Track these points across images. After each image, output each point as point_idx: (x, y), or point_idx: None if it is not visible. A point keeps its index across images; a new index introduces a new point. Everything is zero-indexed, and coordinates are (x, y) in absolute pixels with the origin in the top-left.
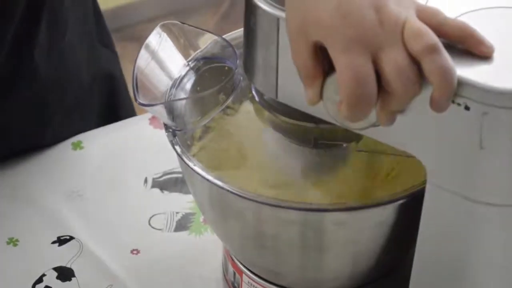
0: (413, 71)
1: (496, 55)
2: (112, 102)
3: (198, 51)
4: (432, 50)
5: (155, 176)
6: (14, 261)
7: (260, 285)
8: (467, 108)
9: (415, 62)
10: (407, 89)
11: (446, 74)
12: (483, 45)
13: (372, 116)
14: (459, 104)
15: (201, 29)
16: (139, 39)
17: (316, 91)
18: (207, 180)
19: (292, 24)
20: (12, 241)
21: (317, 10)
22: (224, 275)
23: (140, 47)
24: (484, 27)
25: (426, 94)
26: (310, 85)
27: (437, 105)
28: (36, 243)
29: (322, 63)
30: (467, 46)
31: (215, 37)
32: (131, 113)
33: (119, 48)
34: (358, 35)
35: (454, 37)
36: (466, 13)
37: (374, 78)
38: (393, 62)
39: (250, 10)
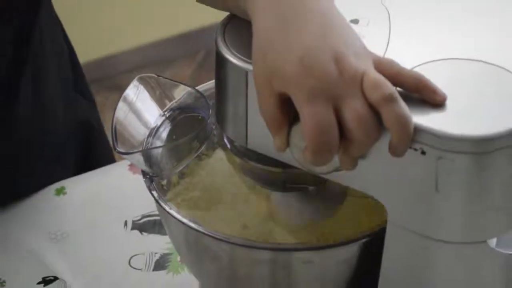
0: (372, 119)
1: (448, 103)
2: (90, 150)
3: (173, 101)
4: (389, 99)
5: (134, 219)
6: None
7: None
8: (423, 153)
9: (374, 110)
10: (367, 136)
11: (403, 121)
12: (437, 94)
13: (335, 161)
14: (415, 149)
15: (176, 81)
16: (121, 88)
17: (282, 139)
18: (182, 223)
19: (259, 77)
20: (0, 283)
21: (282, 63)
22: None
23: (119, 98)
24: (436, 77)
25: (386, 140)
26: (277, 134)
27: (395, 151)
28: (22, 285)
29: (287, 112)
30: (421, 95)
31: (189, 89)
32: (110, 159)
33: (102, 97)
34: (320, 86)
35: (409, 87)
36: (420, 64)
37: (336, 126)
38: (353, 111)
39: (221, 63)
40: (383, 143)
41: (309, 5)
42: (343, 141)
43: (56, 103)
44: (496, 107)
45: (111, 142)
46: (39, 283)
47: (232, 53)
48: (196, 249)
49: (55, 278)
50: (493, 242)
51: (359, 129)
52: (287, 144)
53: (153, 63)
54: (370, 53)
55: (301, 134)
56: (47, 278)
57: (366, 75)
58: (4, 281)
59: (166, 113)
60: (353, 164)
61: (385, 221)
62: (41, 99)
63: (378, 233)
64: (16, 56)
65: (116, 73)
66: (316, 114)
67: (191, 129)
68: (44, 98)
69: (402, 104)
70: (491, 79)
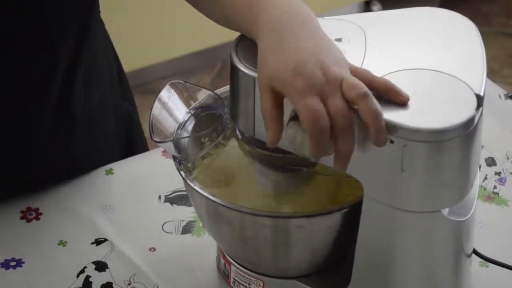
0: (348, 112)
1: (410, 103)
2: (130, 141)
3: (197, 102)
4: (363, 96)
5: (166, 194)
6: (63, 258)
7: (244, 273)
8: (391, 142)
9: (351, 106)
10: (346, 122)
11: (375, 112)
12: (401, 96)
13: (325, 149)
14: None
15: (199, 86)
16: (155, 92)
17: (275, 131)
18: (204, 196)
19: (262, 82)
20: (62, 243)
21: (279, 72)
22: (218, 266)
23: (155, 99)
24: (401, 83)
25: (363, 135)
26: (271, 126)
27: (376, 138)
28: (79, 244)
29: (281, 111)
30: (390, 97)
31: (209, 92)
32: (145, 148)
33: (140, 99)
34: (309, 84)
35: (380, 90)
36: (389, 73)
37: (325, 112)
38: (335, 105)
39: (234, 72)
40: (361, 138)
41: (300, 31)
42: (333, 139)
43: (105, 105)
44: (447, 106)
45: (148, 134)
46: (92, 243)
47: (243, 64)
48: (214, 216)
49: (105, 240)
50: (445, 211)
51: (340, 118)
52: (279, 137)
53: (181, 72)
54: (348, 63)
55: (293, 130)
56: (99, 239)
57: (344, 79)
58: (65, 242)
59: (191, 111)
60: (346, 165)
61: (362, 195)
62: (91, 102)
63: (356, 204)
64: (70, 66)
65: (152, 80)
66: (307, 105)
67: (210, 123)
68: (93, 102)
69: (374, 100)
70: (443, 84)
